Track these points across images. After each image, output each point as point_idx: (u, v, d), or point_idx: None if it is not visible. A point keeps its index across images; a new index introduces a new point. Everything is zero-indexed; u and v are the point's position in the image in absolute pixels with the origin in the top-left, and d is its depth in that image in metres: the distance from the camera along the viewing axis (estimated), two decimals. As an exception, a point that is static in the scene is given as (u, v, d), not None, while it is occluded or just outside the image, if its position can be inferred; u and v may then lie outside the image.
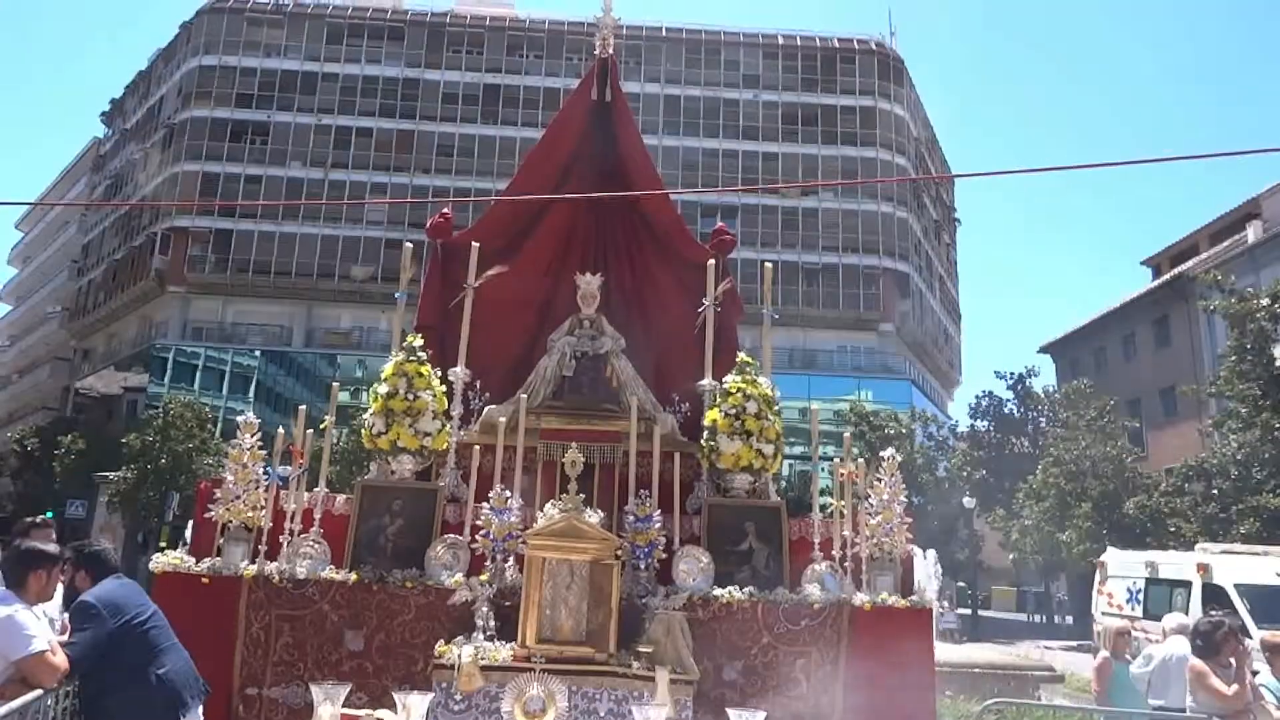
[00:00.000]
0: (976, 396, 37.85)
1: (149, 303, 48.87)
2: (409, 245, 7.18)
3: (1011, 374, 37.05)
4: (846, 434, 7.17)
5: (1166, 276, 38.50)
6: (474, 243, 6.82)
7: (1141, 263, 45.09)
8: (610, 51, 7.67)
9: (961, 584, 35.84)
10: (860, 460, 6.23)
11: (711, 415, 6.16)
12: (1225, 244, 35.79)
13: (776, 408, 6.23)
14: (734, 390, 6.13)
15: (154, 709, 4.23)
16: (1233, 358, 22.94)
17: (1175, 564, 16.29)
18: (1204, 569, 14.90)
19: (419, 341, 6.20)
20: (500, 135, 47.26)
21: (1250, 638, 10.46)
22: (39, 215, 68.21)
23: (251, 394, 45.08)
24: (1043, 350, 46.35)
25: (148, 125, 52.70)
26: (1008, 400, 37.28)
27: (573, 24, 48.26)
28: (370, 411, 6.04)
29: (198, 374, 46.37)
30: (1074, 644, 24.28)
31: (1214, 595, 13.98)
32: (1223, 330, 27.33)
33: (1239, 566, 14.78)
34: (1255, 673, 6.37)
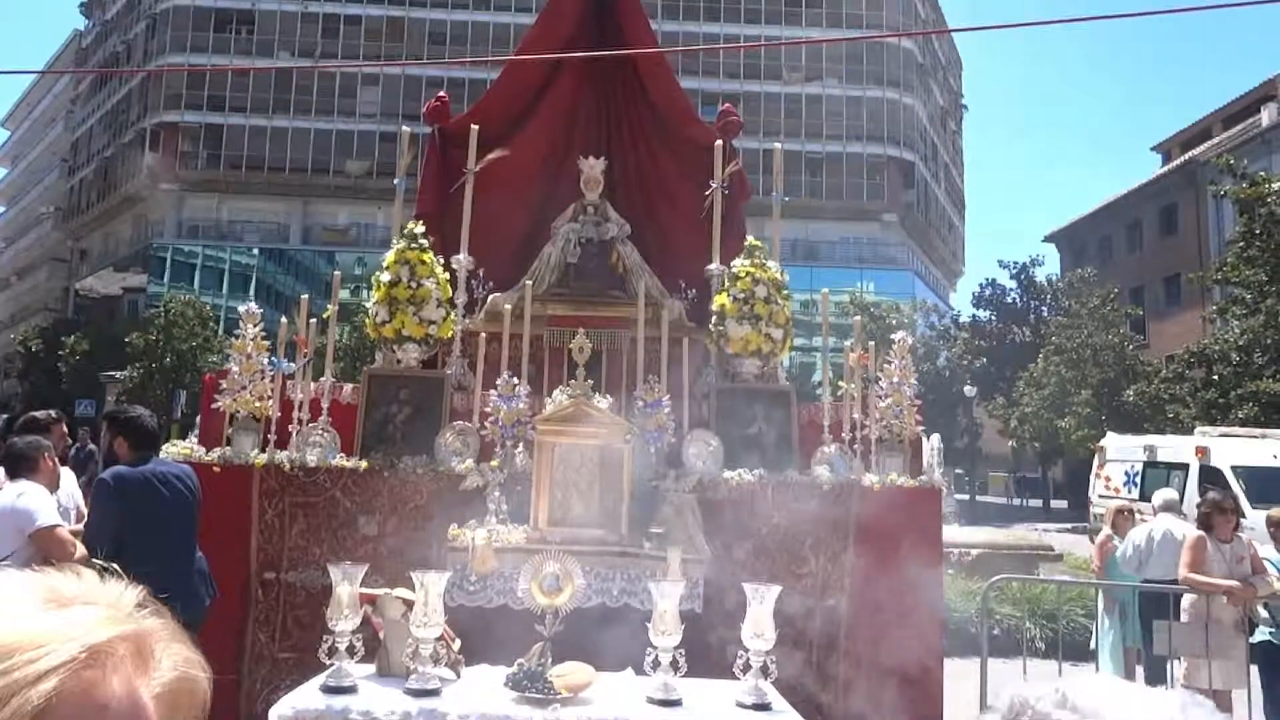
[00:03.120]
0: (980, 285, 37.82)
1: (142, 201, 48.20)
2: (406, 129, 6.95)
3: (1015, 263, 36.84)
4: (857, 317, 7.11)
5: (1177, 162, 37.80)
6: (473, 125, 6.60)
7: (1152, 149, 44.27)
8: (609, -79, 7.27)
9: (959, 471, 36.44)
10: (871, 344, 6.18)
11: (720, 300, 6.07)
12: (1239, 128, 34.99)
13: (785, 292, 6.14)
14: (743, 274, 6.03)
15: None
16: (1240, 243, 22.70)
17: (1173, 447, 16.51)
18: (1202, 452, 15.10)
19: (420, 229, 6.06)
20: (494, 21, 45.69)
21: (1244, 517, 10.65)
22: (25, 112, 66.67)
23: (251, 292, 44.88)
24: (1048, 239, 45.96)
25: (128, 16, 50.95)
26: (1010, 290, 37.20)
27: (566, -100, 45.98)
28: (373, 300, 5.96)
29: (197, 273, 46.14)
30: (1069, 526, 24.84)
31: (1211, 477, 14.20)
32: (1231, 217, 26.96)
33: (1237, 449, 14.97)
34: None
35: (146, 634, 0.64)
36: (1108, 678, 0.72)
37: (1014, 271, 36.87)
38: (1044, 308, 36.26)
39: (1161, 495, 7.82)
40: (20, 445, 4.63)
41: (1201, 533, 6.29)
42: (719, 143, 6.71)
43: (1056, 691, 0.69)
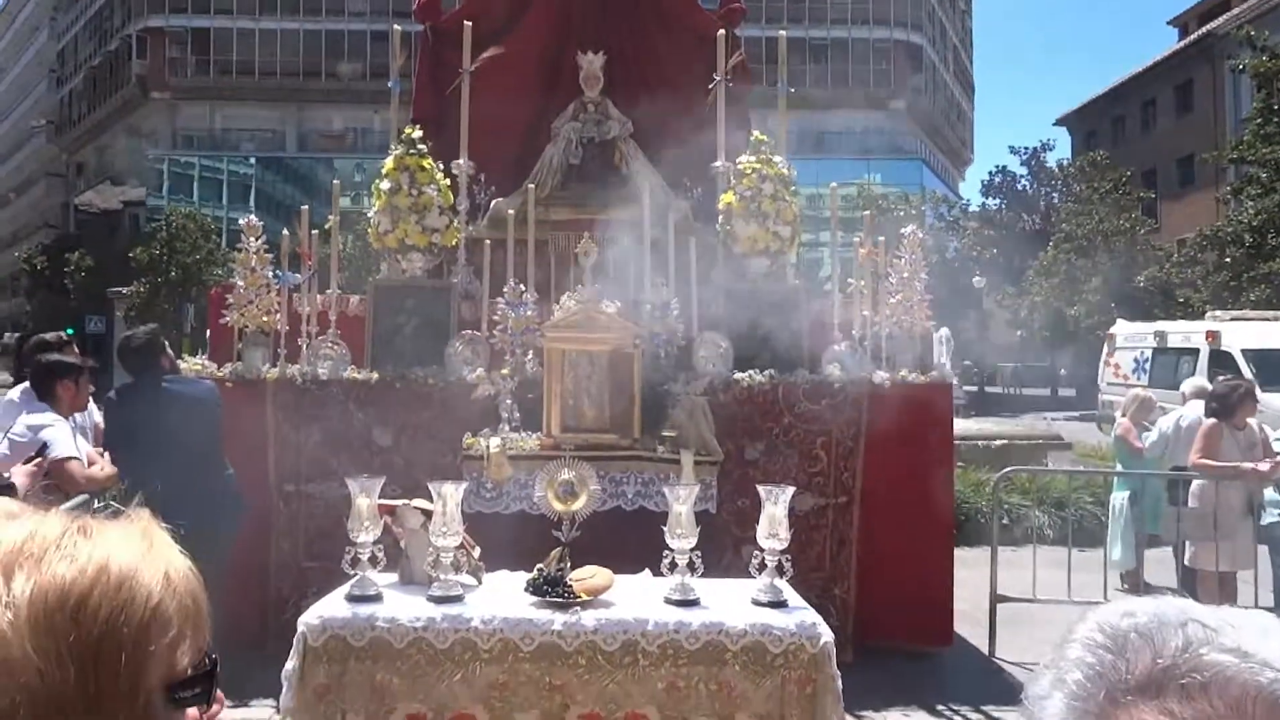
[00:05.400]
0: (989, 172, 37.04)
1: (135, 112, 47.29)
2: (397, 28, 6.71)
3: (1026, 149, 36.06)
4: (868, 213, 7.00)
5: (1193, 36, 36.50)
6: (466, 22, 6.36)
7: (1168, 23, 42.72)
8: None
9: (968, 362, 36.50)
10: (880, 239, 6.09)
11: (726, 198, 5.96)
12: (1260, -3, 33.59)
13: (793, 188, 6.01)
14: (748, 171, 5.89)
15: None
16: (1258, 120, 22.08)
17: (1183, 333, 16.43)
18: (1213, 337, 15.02)
19: (418, 134, 5.91)
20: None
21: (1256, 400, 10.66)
22: (6, 22, 64.86)
23: (252, 202, 44.40)
24: (1059, 123, 44.82)
25: (103, -86, 48.93)
26: (1021, 176, 36.52)
27: None
28: (375, 210, 5.87)
29: (195, 184, 45.61)
30: (1076, 415, 24.99)
31: (1221, 361, 14.15)
32: (1248, 94, 26.17)
33: (1249, 332, 14.89)
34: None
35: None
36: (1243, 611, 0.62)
37: (1024, 157, 36.14)
38: (1054, 194, 35.63)
39: (1192, 383, 7.80)
40: (45, 365, 4.65)
41: (1215, 420, 6.29)
42: (721, 32, 6.48)
43: (1189, 626, 0.57)
